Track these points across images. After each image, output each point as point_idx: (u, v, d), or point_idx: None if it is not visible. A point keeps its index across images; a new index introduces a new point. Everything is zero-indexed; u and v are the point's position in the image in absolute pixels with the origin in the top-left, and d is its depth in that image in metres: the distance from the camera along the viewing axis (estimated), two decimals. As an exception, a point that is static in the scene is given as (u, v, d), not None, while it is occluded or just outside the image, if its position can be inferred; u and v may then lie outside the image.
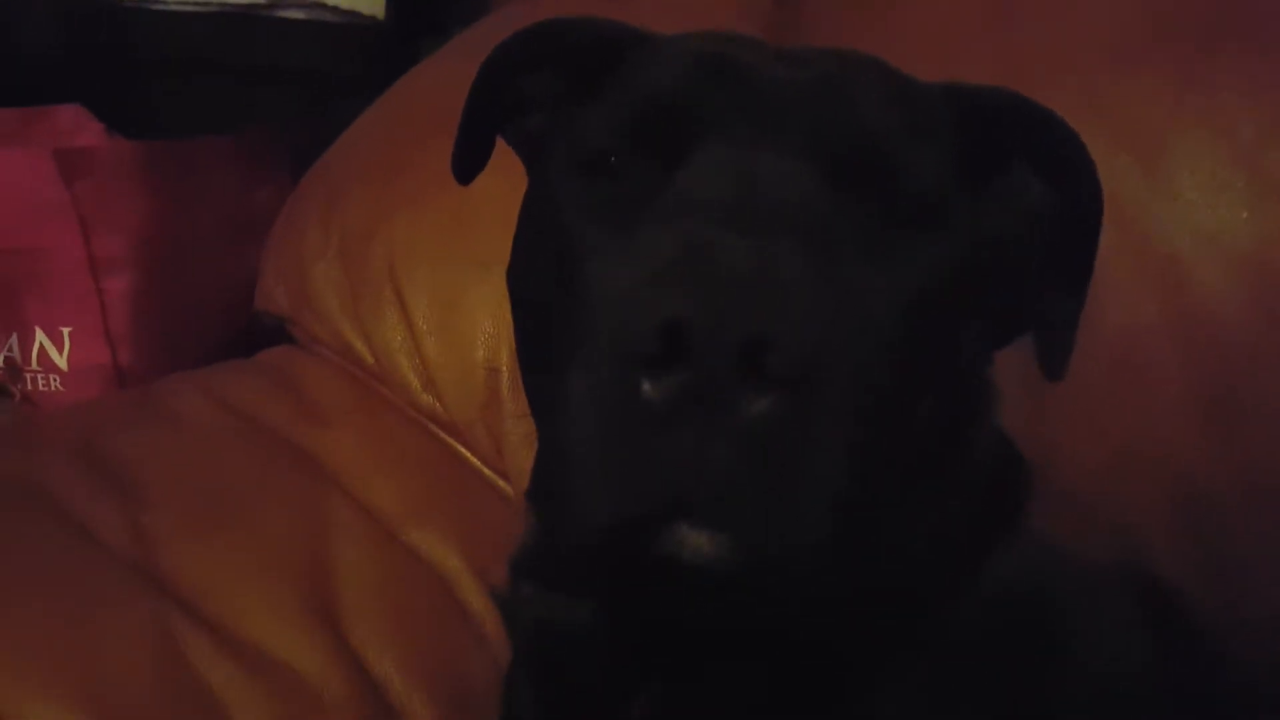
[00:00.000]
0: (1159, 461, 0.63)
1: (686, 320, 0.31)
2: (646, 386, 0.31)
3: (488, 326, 0.70)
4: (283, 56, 1.31)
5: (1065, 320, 0.45)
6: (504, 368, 0.67)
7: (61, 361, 1.03)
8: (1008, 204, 0.46)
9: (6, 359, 1.05)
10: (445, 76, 0.75)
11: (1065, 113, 0.67)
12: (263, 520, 0.58)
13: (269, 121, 1.22)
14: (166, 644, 0.51)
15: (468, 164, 0.51)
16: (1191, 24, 0.66)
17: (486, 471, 0.70)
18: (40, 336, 1.04)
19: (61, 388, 1.03)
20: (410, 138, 0.77)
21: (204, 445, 0.65)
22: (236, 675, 0.50)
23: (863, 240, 0.38)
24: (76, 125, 1.15)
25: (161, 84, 1.32)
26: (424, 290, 0.72)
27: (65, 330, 1.04)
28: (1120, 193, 0.64)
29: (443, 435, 0.72)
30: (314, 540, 0.58)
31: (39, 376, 1.03)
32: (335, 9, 1.28)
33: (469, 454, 0.71)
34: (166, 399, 0.70)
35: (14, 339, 1.05)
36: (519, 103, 0.50)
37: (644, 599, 0.38)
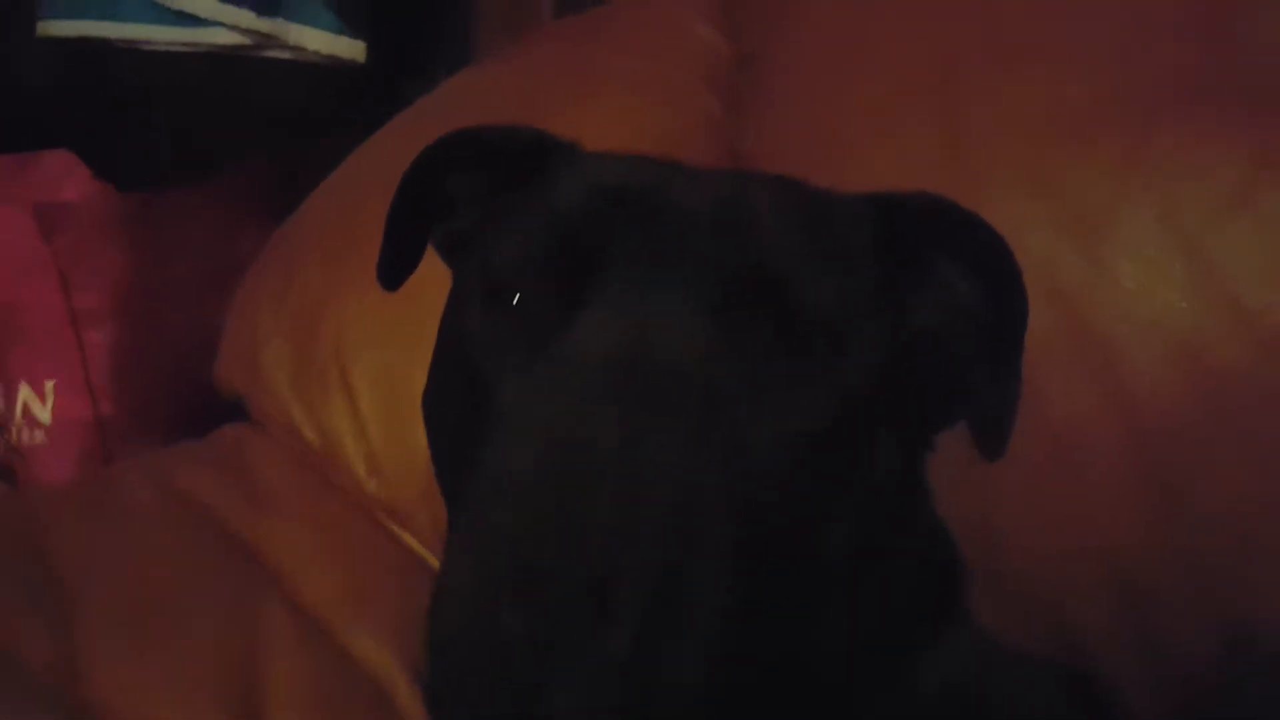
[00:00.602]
0: (1099, 548, 0.63)
1: (536, 563, 0.32)
2: (501, 616, 0.32)
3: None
4: (266, 97, 1.32)
5: (1002, 406, 0.45)
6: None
7: (45, 415, 1.05)
8: (935, 301, 0.45)
9: (-9, 413, 1.07)
10: (400, 150, 0.75)
11: (1006, 188, 0.68)
12: (195, 629, 0.59)
13: (250, 162, 1.23)
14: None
15: (395, 268, 0.51)
16: (1137, 104, 0.65)
17: (430, 558, 0.71)
18: (24, 391, 1.06)
19: (45, 440, 1.05)
20: (363, 214, 0.77)
21: (146, 542, 0.65)
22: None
23: (756, 383, 0.38)
24: (63, 173, 1.16)
25: (149, 122, 1.34)
26: (369, 373, 0.73)
27: (49, 383, 1.05)
28: (1060, 274, 0.64)
29: (386, 522, 0.72)
30: (245, 650, 0.58)
31: (23, 431, 1.05)
32: (316, 53, 1.29)
33: (412, 540, 0.72)
34: (116, 488, 0.71)
35: (-2, 393, 1.07)
36: (445, 205, 0.51)
37: None
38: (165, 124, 1.34)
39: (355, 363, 0.73)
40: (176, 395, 1.06)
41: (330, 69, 1.31)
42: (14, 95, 1.33)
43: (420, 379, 0.71)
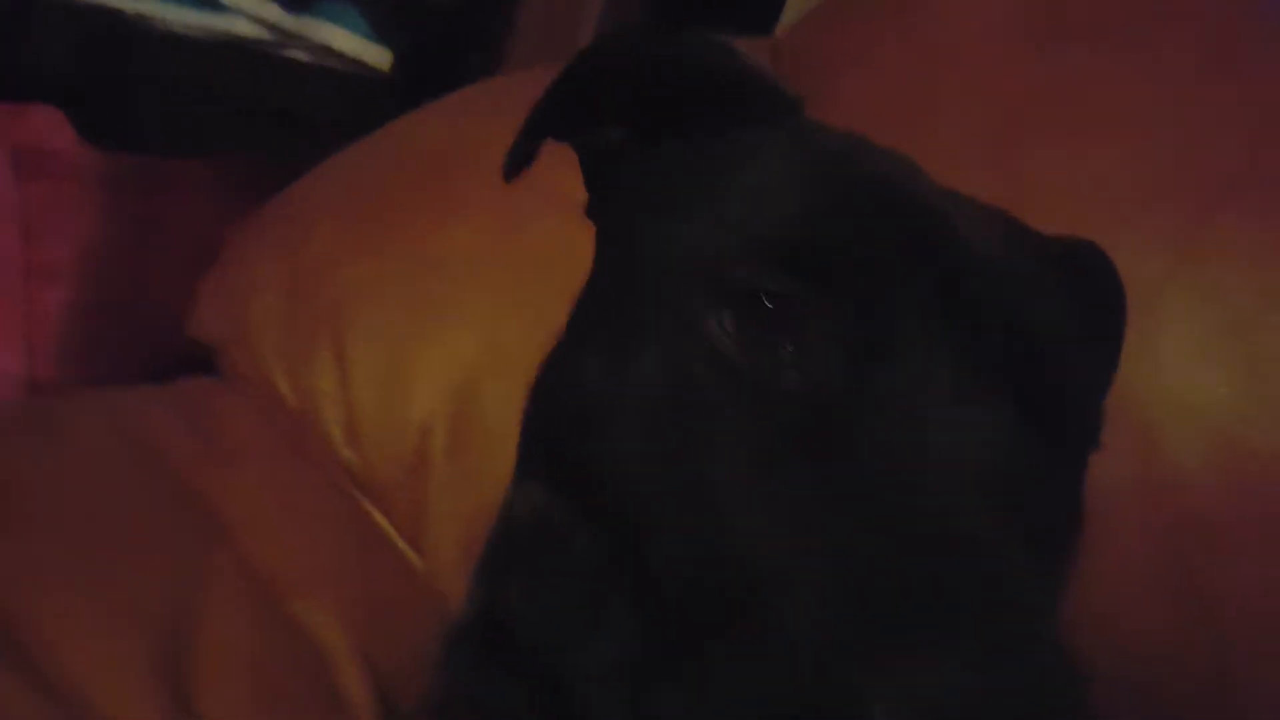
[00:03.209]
0: (1118, 634, 0.59)
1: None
2: None
3: (431, 384, 0.64)
4: (282, 97, 1.29)
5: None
6: (439, 430, 0.62)
7: (-29, 363, 0.97)
8: None
9: (-83, 354, 0.98)
10: (428, 129, 0.72)
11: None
12: (133, 565, 0.51)
13: (251, 151, 1.19)
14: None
15: (518, 165, 0.45)
16: (1194, 187, 0.65)
17: (399, 542, 0.64)
18: (-44, 334, 0.97)
19: (-35, 389, 0.97)
20: (385, 183, 0.73)
21: (90, 472, 0.58)
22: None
23: (1038, 474, 0.36)
24: (47, 128, 1.10)
25: (155, 105, 1.29)
26: (368, 338, 0.67)
27: (-15, 331, 0.97)
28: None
29: (357, 495, 0.66)
30: (184, 595, 0.51)
31: (-54, 376, 0.96)
32: (341, 56, 1.26)
33: (382, 519, 0.65)
34: (65, 416, 0.63)
35: (-70, 333, 0.98)
36: (597, 111, 0.44)
37: None
38: (171, 108, 1.29)
39: (354, 325, 0.68)
40: (128, 368, 0.98)
41: (351, 76, 1.29)
42: (12, 54, 1.28)
43: (423, 350, 0.66)
